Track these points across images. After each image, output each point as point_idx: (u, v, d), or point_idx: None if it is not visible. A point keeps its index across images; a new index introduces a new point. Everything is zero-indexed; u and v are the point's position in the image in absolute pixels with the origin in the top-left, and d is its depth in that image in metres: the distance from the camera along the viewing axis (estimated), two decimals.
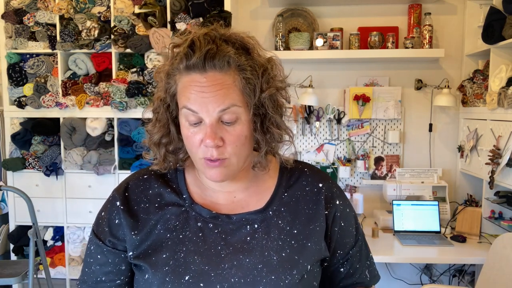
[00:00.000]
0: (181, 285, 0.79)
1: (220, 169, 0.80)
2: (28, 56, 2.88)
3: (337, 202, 0.91)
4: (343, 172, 2.90)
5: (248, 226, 0.84)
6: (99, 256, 0.88)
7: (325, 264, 0.91)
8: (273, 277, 0.80)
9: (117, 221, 0.87)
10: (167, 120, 0.85)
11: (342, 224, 0.90)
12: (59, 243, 2.99)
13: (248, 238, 0.83)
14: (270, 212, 0.86)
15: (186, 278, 0.80)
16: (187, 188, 0.89)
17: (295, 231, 0.85)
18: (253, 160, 0.86)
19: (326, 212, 0.88)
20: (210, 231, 0.84)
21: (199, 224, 0.85)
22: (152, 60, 2.76)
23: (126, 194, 0.89)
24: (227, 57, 0.75)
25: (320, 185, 0.91)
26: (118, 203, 0.88)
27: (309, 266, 0.83)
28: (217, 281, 0.79)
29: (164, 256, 0.82)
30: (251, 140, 0.82)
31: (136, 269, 0.86)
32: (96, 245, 0.89)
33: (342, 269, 0.92)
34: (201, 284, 0.79)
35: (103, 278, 0.89)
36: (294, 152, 0.91)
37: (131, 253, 0.85)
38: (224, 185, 0.88)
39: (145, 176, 0.91)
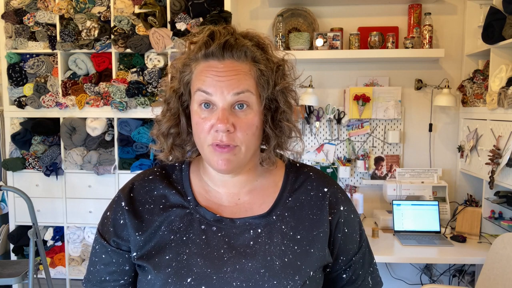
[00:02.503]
0: (183, 287, 0.79)
1: (229, 156, 0.79)
2: (28, 56, 2.88)
3: (342, 208, 0.89)
4: (343, 172, 2.91)
5: (251, 231, 0.84)
6: (103, 256, 0.89)
7: (328, 270, 0.91)
8: (275, 282, 0.79)
9: (121, 221, 0.87)
10: (178, 110, 0.86)
11: (346, 230, 0.89)
12: (59, 243, 2.99)
13: (251, 243, 0.83)
14: (274, 217, 0.86)
15: (188, 280, 0.80)
16: (191, 190, 0.89)
17: (299, 237, 0.85)
18: (261, 155, 0.87)
19: (330, 218, 0.88)
20: (213, 234, 0.84)
21: (202, 227, 0.85)
22: (152, 60, 2.76)
23: (131, 194, 0.90)
24: (245, 48, 0.79)
25: (325, 190, 0.90)
26: (123, 204, 0.88)
27: (311, 272, 0.83)
28: (219, 285, 0.79)
29: (167, 257, 0.82)
30: (261, 132, 0.84)
31: (140, 270, 0.87)
32: (101, 244, 0.89)
33: (344, 275, 0.91)
34: (203, 287, 0.79)
35: (107, 278, 0.89)
36: (302, 147, 0.91)
37: (134, 254, 0.85)
38: (229, 186, 0.88)
39: (150, 177, 0.92)
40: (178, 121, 0.86)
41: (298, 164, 0.93)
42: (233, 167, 0.81)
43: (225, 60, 0.78)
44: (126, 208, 0.88)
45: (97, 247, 0.90)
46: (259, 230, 0.84)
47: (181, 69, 0.83)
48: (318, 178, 0.92)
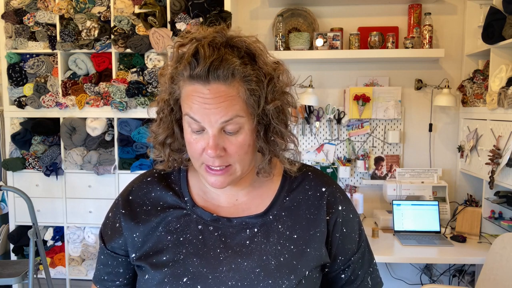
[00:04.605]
0: (178, 286, 0.80)
1: (223, 177, 0.80)
2: (28, 56, 2.88)
3: (340, 208, 0.88)
4: (343, 172, 2.91)
5: (248, 230, 0.84)
6: (102, 257, 0.93)
7: (326, 270, 0.90)
8: (270, 282, 0.79)
9: (117, 224, 0.89)
10: (171, 122, 0.84)
11: (344, 230, 0.88)
12: (59, 243, 2.99)
13: (247, 242, 0.83)
14: (271, 217, 0.86)
15: (184, 279, 0.80)
16: (189, 191, 0.90)
17: (295, 236, 0.84)
18: (257, 165, 0.86)
19: (328, 218, 0.87)
20: (210, 234, 0.84)
21: (199, 226, 0.85)
22: (152, 60, 2.76)
23: (130, 197, 0.91)
24: (232, 69, 0.74)
25: (323, 189, 0.89)
26: (120, 208, 0.90)
27: (307, 272, 0.82)
28: (214, 284, 0.80)
29: (164, 258, 0.83)
30: (254, 147, 0.82)
31: (138, 270, 0.88)
32: (101, 246, 0.93)
33: (343, 276, 0.90)
34: (199, 286, 0.80)
35: (105, 278, 0.92)
36: (298, 160, 0.89)
37: (133, 255, 0.87)
38: (227, 188, 0.88)
39: (149, 179, 0.93)
40: (173, 131, 0.85)
41: (297, 164, 0.93)
42: (228, 184, 0.82)
43: (210, 84, 0.73)
44: (123, 211, 0.89)
45: (99, 247, 0.94)
46: (256, 230, 0.84)
47: (169, 82, 0.80)
48: (316, 177, 0.91)
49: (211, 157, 0.77)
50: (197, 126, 0.77)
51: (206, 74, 0.73)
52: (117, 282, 0.92)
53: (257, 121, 0.79)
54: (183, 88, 0.78)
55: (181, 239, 0.84)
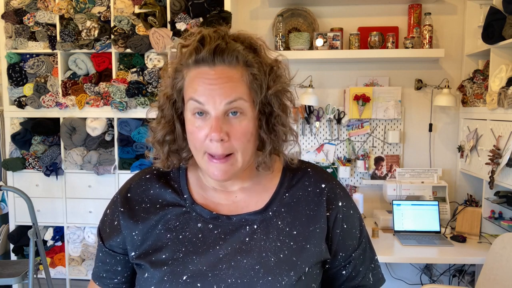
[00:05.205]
0: (178, 285, 0.80)
1: (225, 166, 0.79)
2: (28, 56, 2.88)
3: (340, 204, 0.88)
4: (343, 172, 2.91)
5: (247, 227, 0.84)
6: (100, 254, 0.93)
7: (327, 266, 0.90)
8: (269, 278, 0.79)
9: (116, 222, 0.89)
10: (172, 117, 0.84)
11: (345, 226, 0.88)
12: (59, 243, 2.99)
13: (247, 239, 0.83)
14: (270, 213, 0.86)
15: (184, 278, 0.80)
16: (188, 188, 0.90)
17: (295, 232, 0.84)
18: (257, 160, 0.86)
19: (328, 214, 0.87)
20: (209, 232, 0.84)
21: (199, 224, 0.85)
22: (152, 60, 2.76)
23: (129, 195, 0.91)
24: (236, 53, 0.77)
25: (323, 185, 0.89)
26: (119, 205, 0.90)
27: (307, 268, 0.82)
28: (214, 282, 0.80)
29: (163, 256, 0.83)
30: (256, 138, 0.82)
31: (138, 268, 0.88)
32: (99, 243, 0.93)
33: (344, 272, 0.90)
34: (198, 284, 0.80)
35: (104, 275, 0.93)
36: (298, 151, 0.90)
37: (133, 253, 0.87)
38: (226, 185, 0.88)
39: (147, 176, 0.92)
40: (173, 127, 0.85)
41: (297, 160, 0.93)
42: (230, 176, 0.81)
43: (216, 67, 0.76)
44: (122, 209, 0.89)
45: (97, 244, 0.94)
46: (255, 226, 0.84)
47: (173, 75, 0.82)
48: (316, 174, 0.91)
49: (215, 140, 0.77)
50: (200, 110, 0.78)
51: (212, 56, 0.76)
52: (115, 280, 0.92)
53: (259, 110, 0.80)
54: (188, 75, 0.80)
55: (181, 237, 0.84)
